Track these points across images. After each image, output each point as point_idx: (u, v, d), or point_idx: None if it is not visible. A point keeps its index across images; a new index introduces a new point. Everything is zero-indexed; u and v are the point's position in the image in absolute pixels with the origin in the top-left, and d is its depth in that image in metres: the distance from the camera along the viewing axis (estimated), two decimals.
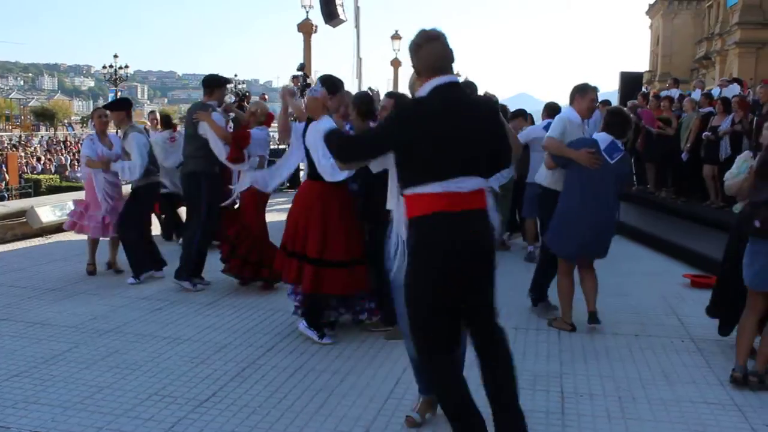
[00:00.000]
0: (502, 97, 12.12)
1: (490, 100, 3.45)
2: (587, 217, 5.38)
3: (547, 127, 8.03)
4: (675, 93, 14.56)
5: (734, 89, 13.20)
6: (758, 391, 4.34)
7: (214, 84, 6.78)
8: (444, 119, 3.22)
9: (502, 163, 3.50)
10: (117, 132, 7.50)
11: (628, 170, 5.52)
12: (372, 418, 3.96)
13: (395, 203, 3.54)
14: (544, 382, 4.55)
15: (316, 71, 18.52)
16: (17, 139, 50.42)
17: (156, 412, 3.98)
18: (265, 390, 4.33)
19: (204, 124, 6.57)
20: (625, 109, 6.02)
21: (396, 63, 29.19)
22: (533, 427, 3.70)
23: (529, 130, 8.58)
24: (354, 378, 4.55)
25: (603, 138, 5.45)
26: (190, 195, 6.81)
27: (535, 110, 17.50)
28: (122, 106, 7.33)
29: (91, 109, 8.74)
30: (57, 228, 9.49)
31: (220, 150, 6.57)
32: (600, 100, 13.56)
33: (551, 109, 8.44)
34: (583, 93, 5.84)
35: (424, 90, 3.27)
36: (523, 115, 9.48)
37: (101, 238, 7.37)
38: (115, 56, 45.38)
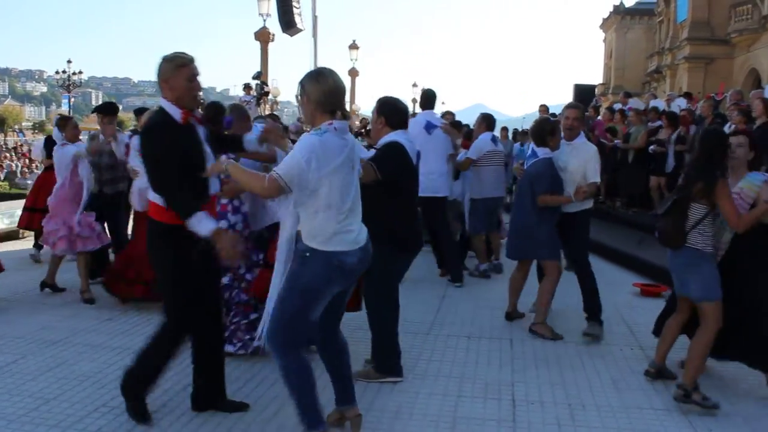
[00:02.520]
0: (458, 108, 12.27)
1: None
2: (512, 221, 6.22)
3: (494, 140, 8.11)
4: (639, 104, 14.79)
5: (681, 103, 13.57)
6: (682, 403, 4.31)
7: None
8: None
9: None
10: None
11: (540, 171, 5.79)
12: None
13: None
14: (495, 390, 4.59)
15: (274, 80, 18.49)
16: None
17: (104, 424, 3.91)
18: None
19: None
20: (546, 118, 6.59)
21: (353, 72, 29.26)
22: None
23: (480, 144, 8.15)
24: None
25: (530, 148, 6.04)
26: None
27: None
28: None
29: (44, 116, 8.28)
30: (6, 236, 9.29)
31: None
32: (553, 113, 13.80)
33: (490, 121, 8.48)
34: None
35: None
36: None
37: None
38: (69, 61, 44.43)
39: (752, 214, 4.41)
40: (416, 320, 6.07)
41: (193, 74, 3.76)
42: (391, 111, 4.72)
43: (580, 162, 5.85)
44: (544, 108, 14.62)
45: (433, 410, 4.24)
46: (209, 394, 4.09)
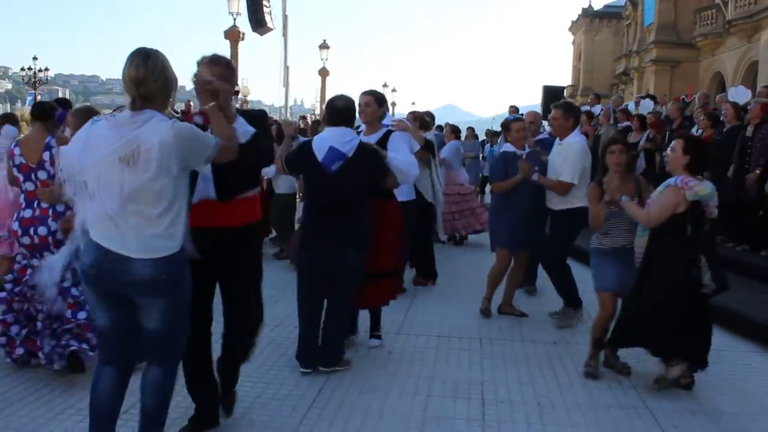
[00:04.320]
0: (429, 109, 12.30)
1: None
2: None
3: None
4: (597, 109, 15.03)
5: (648, 105, 13.72)
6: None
7: None
8: None
9: None
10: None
11: (493, 163, 6.96)
12: (294, 427, 3.94)
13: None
14: (465, 389, 4.61)
15: (244, 79, 18.38)
16: None
17: (71, 426, 3.86)
18: (185, 400, 4.20)
19: None
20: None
21: (324, 72, 29.19)
22: None
23: None
24: (275, 388, 4.51)
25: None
26: None
27: (462, 122, 17.90)
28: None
29: (9, 112, 7.90)
30: None
31: None
32: (522, 113, 13.88)
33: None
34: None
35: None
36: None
37: None
38: (35, 58, 43.60)
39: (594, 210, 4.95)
40: (386, 320, 6.06)
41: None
42: (327, 109, 4.96)
43: (562, 160, 5.99)
44: (513, 109, 14.75)
45: (403, 409, 4.24)
46: None
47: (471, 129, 17.91)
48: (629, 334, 4.68)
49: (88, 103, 7.67)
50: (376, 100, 5.24)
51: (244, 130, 3.41)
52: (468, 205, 10.62)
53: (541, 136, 6.95)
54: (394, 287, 5.45)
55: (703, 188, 4.44)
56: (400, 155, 4.90)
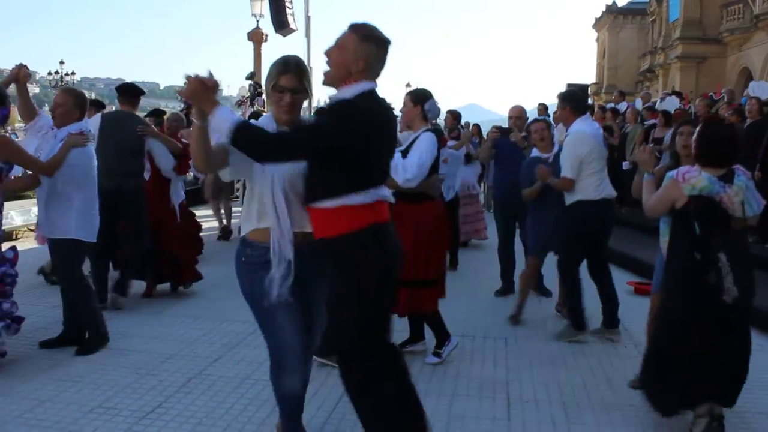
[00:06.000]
0: (453, 107, 12.28)
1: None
2: None
3: None
4: (622, 105, 14.92)
5: (674, 102, 13.59)
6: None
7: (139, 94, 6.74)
8: (382, 125, 3.08)
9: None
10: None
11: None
12: (319, 426, 3.96)
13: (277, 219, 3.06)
14: (490, 388, 4.61)
15: None
16: None
17: (100, 425, 3.90)
18: (212, 401, 4.29)
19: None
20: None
21: None
22: None
23: None
24: None
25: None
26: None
27: (485, 120, 17.78)
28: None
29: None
30: (8, 235, 9.32)
31: (168, 162, 6.72)
32: (549, 112, 13.71)
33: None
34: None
35: (353, 90, 3.02)
36: None
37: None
38: (61, 62, 44.26)
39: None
40: None
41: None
42: None
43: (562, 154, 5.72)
44: (542, 107, 14.57)
45: (428, 409, 4.17)
46: None
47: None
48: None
49: (114, 106, 7.91)
50: (411, 99, 4.81)
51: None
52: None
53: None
54: (422, 295, 4.94)
55: (700, 180, 3.85)
56: (404, 157, 4.56)
